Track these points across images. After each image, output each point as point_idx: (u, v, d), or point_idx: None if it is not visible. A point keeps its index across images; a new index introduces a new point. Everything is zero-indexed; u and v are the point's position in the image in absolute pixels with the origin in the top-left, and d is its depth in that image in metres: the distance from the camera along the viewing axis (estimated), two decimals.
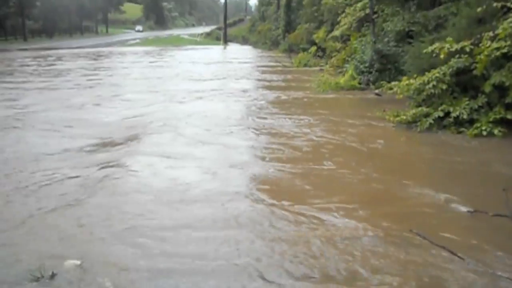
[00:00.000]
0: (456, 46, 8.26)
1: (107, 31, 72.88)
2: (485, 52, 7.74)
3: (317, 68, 20.11)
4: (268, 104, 11.34)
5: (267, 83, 15.94)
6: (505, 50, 7.57)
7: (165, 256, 3.58)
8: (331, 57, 19.81)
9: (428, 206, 4.56)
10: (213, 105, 11.31)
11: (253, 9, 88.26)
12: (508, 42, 7.61)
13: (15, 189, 5.14)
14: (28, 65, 22.68)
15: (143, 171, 5.83)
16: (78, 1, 61.30)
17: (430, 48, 8.65)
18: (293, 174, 5.70)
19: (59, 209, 4.51)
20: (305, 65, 22.25)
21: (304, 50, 25.40)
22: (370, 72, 13.89)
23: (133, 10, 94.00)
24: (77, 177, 5.46)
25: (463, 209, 4.42)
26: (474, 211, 4.32)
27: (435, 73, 8.45)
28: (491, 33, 7.94)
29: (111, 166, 6.00)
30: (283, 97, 12.58)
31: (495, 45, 7.74)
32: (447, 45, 8.33)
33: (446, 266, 3.35)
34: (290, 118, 9.36)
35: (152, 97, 12.44)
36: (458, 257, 3.42)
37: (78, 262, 3.37)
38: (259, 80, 17.28)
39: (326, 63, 19.76)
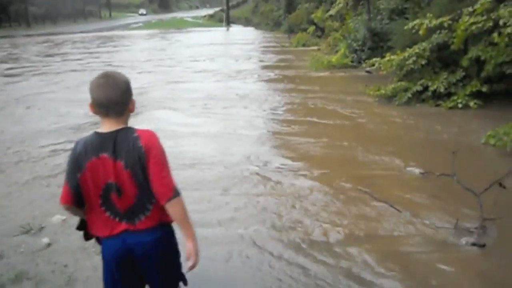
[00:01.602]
0: (435, 22, 8.49)
1: (110, 15, 72.89)
2: (462, 27, 8.01)
3: (315, 48, 20.28)
4: (262, 82, 11.86)
5: (263, 63, 16.27)
6: (480, 25, 7.82)
7: None
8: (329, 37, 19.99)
9: (386, 169, 4.98)
10: (213, 84, 11.71)
11: None
12: (484, 17, 7.85)
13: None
14: (29, 51, 23.11)
15: None
16: None
17: (410, 25, 8.91)
18: (272, 142, 6.38)
19: (55, 175, 5.03)
20: (303, 45, 22.41)
21: (304, 30, 25.51)
22: (363, 50, 14.10)
23: None
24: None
25: (417, 171, 4.84)
26: (425, 173, 4.72)
27: (416, 49, 8.73)
28: (470, 9, 8.19)
29: None
30: (277, 75, 12.93)
31: (471, 20, 7.99)
32: (427, 21, 8.58)
33: (383, 218, 3.78)
34: (281, 95, 9.86)
35: (153, 77, 12.85)
36: (397, 210, 3.84)
37: (64, 217, 3.84)
38: (257, 60, 17.56)
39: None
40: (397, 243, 3.43)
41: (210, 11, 72.54)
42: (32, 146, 6.31)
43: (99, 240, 2.07)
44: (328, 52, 17.08)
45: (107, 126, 1.92)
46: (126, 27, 47.38)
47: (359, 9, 17.79)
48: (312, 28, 23.88)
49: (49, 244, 3.45)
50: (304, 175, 4.89)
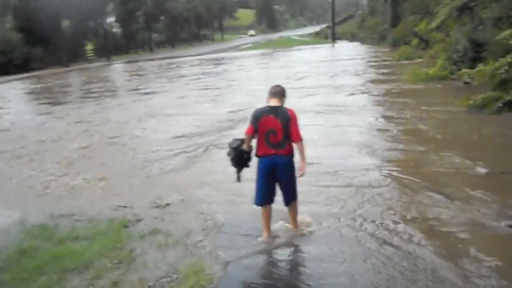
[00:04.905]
0: None
1: (222, 38, 78.04)
2: None
3: (419, 60, 20.11)
4: (360, 95, 12.56)
5: (364, 78, 16.77)
6: None
7: (240, 195, 5.11)
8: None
9: (456, 168, 5.53)
10: (317, 97, 12.67)
11: (364, 3, 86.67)
12: None
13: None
14: (147, 71, 26.36)
15: None
16: (195, 12, 67.16)
17: (502, 35, 9.06)
18: (359, 141, 7.35)
19: (173, 171, 6.48)
20: (407, 58, 22.21)
21: (408, 43, 25.28)
22: (463, 62, 13.98)
23: (246, 16, 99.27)
24: (186, 152, 7.47)
25: (483, 170, 5.31)
26: (490, 172, 5.18)
27: (508, 58, 8.84)
28: None
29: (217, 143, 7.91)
30: (375, 90, 13.43)
31: None
32: None
33: (435, 205, 4.42)
34: (376, 107, 10.72)
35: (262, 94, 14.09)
36: (449, 199, 4.45)
37: (181, 198, 5.16)
38: (357, 75, 18.07)
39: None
40: (441, 223, 4.07)
41: (317, 28, 74.07)
42: (158, 150, 7.89)
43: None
44: (429, 65, 17.01)
45: (272, 102, 4.04)
46: (237, 48, 50.59)
47: (464, 19, 17.47)
48: (415, 41, 23.65)
49: (172, 214, 4.76)
50: (372, 170, 5.78)
